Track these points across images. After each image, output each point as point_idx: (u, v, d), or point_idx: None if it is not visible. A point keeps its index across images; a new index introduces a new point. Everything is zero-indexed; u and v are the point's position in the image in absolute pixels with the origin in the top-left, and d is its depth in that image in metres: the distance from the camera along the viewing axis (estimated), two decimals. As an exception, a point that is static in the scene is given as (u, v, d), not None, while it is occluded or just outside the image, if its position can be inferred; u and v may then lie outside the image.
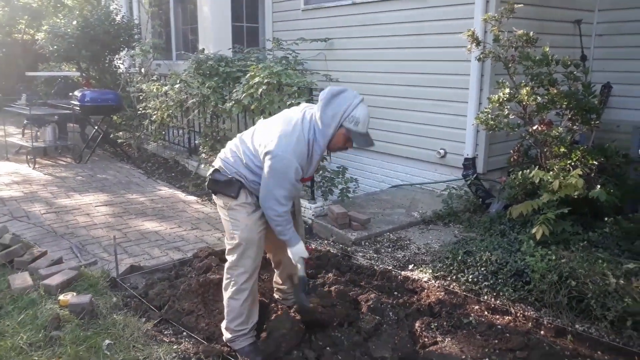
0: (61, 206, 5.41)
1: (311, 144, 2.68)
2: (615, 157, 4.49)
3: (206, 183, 2.93)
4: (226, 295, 2.89)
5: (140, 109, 7.57)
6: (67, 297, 3.21)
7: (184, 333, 3.03)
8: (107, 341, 2.81)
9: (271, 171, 2.62)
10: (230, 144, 2.93)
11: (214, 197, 2.94)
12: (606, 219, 3.82)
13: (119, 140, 8.29)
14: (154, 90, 7.02)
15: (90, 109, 7.61)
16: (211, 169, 2.91)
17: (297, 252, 2.81)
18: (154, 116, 7.10)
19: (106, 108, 7.68)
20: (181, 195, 6.06)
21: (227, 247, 2.87)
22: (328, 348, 2.87)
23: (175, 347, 2.84)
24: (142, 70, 8.14)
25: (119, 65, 9.65)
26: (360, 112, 2.67)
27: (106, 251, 4.21)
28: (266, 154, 2.62)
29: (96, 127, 7.97)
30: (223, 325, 2.95)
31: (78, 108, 7.63)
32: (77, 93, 7.74)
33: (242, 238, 2.77)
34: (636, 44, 5.63)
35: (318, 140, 2.68)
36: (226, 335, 2.91)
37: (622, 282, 2.96)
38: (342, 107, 2.66)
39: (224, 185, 2.79)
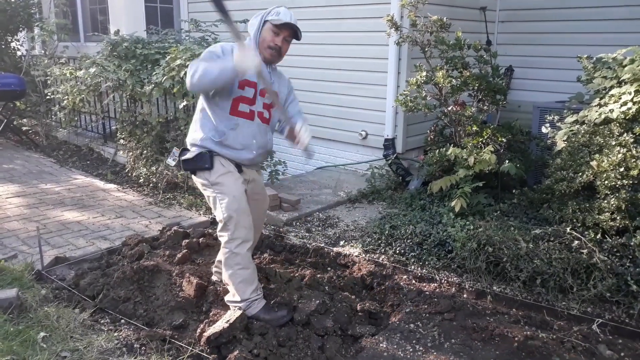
0: (-34, 199, 5.03)
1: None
2: (519, 134, 4.91)
3: (181, 166, 2.93)
4: (231, 269, 2.89)
5: (49, 94, 7.11)
6: (-10, 292, 3.04)
7: (122, 321, 2.98)
8: (42, 334, 2.71)
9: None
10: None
11: (193, 178, 2.96)
12: (514, 190, 4.20)
13: (24, 128, 7.75)
14: (67, 74, 6.62)
15: (-11, 94, 7.05)
16: (178, 151, 2.96)
17: (243, 60, 2.50)
18: (65, 101, 6.71)
19: (8, 93, 7.12)
20: (99, 183, 5.82)
21: (220, 223, 2.88)
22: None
23: (115, 334, 2.80)
24: (47, 52, 7.63)
25: (18, 48, 8.95)
26: (279, 8, 2.82)
27: (25, 244, 3.99)
28: None
29: (-3, 114, 7.40)
30: (231, 298, 2.96)
31: (-24, 94, 7.04)
32: (-27, 77, 7.13)
33: (234, 209, 2.79)
34: (533, 30, 6.14)
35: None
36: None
37: (531, 246, 3.29)
38: (261, 12, 2.85)
39: (196, 161, 2.82)
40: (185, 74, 5.03)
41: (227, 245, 2.89)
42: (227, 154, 2.86)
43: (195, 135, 2.89)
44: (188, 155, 2.88)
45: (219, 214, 2.85)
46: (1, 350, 2.56)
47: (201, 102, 2.90)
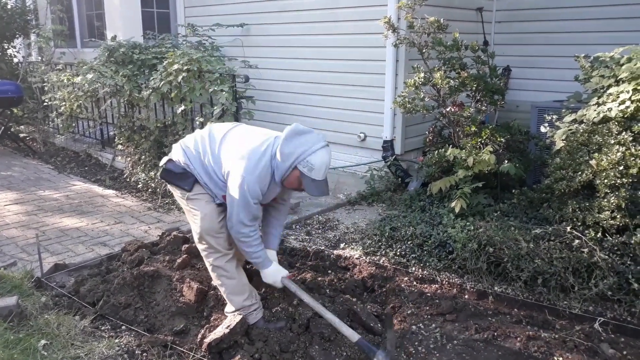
0: (-36, 207, 5.01)
1: (272, 173, 2.68)
2: (518, 134, 4.91)
3: (159, 172, 2.91)
4: (219, 280, 2.90)
5: (46, 100, 7.11)
6: (-11, 301, 3.03)
7: (123, 327, 2.97)
8: (42, 341, 2.71)
9: (235, 193, 2.61)
10: (196, 135, 2.89)
11: (169, 186, 2.94)
12: (514, 190, 4.20)
13: (22, 135, 7.74)
14: (65, 80, 6.62)
15: (-14, 101, 7.04)
16: (165, 158, 2.88)
17: (270, 276, 2.90)
18: (62, 108, 6.70)
19: (5, 100, 7.12)
20: (98, 189, 5.81)
21: (195, 236, 2.89)
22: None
23: (116, 341, 2.79)
24: (44, 59, 7.63)
25: (14, 54, 8.95)
26: (317, 158, 2.59)
27: (24, 251, 3.98)
28: (231, 172, 2.64)
29: (-6, 121, 7.39)
30: (228, 309, 2.95)
31: (-28, 101, 7.02)
32: (-30, 85, 7.11)
33: (204, 228, 2.79)
34: (530, 30, 6.15)
35: (275, 172, 2.68)
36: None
37: (531, 245, 3.28)
38: (300, 148, 2.59)
39: (178, 177, 2.79)
40: (182, 79, 5.04)
41: (206, 259, 2.92)
42: (208, 188, 2.83)
43: (190, 163, 2.81)
44: (172, 168, 2.83)
45: (195, 227, 2.87)
46: (2, 358, 2.55)
47: (211, 162, 2.77)
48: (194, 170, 2.79)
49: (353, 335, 2.68)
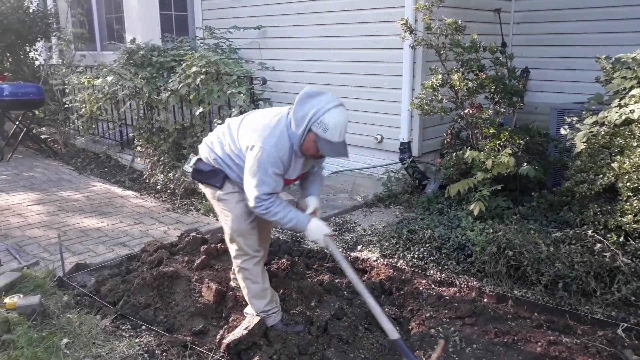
0: (-12, 207, 5.11)
1: (291, 143, 2.61)
2: (537, 136, 4.86)
3: (190, 173, 2.91)
4: (244, 282, 2.92)
5: (67, 102, 7.22)
6: (13, 299, 3.07)
7: (143, 327, 3.00)
8: (65, 340, 2.75)
9: (253, 165, 2.57)
10: (218, 130, 2.92)
11: (200, 186, 2.98)
12: (533, 193, 4.16)
13: (43, 136, 7.86)
14: (85, 83, 6.72)
15: (9, 103, 7.12)
16: (194, 158, 2.90)
17: (312, 232, 2.70)
18: (83, 110, 6.80)
19: (28, 102, 7.23)
20: (118, 190, 5.88)
21: (226, 237, 2.93)
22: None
23: (137, 340, 2.82)
24: (65, 61, 7.76)
25: (36, 57, 9.10)
26: (330, 117, 2.49)
27: (47, 251, 4.04)
28: (249, 147, 2.60)
29: (17, 123, 7.50)
30: (248, 310, 2.98)
31: (-4, 103, 7.15)
32: (-7, 87, 7.24)
33: (234, 229, 2.82)
34: (549, 31, 6.09)
35: (293, 142, 2.61)
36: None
37: (552, 249, 3.26)
38: (313, 109, 2.51)
39: (208, 176, 2.81)
40: (200, 81, 5.08)
41: (234, 260, 2.95)
42: (238, 184, 2.83)
43: (217, 156, 2.82)
44: (202, 167, 2.85)
45: (226, 228, 2.90)
46: (26, 356, 2.60)
47: (232, 148, 2.76)
48: (221, 163, 2.80)
49: (393, 332, 2.59)
